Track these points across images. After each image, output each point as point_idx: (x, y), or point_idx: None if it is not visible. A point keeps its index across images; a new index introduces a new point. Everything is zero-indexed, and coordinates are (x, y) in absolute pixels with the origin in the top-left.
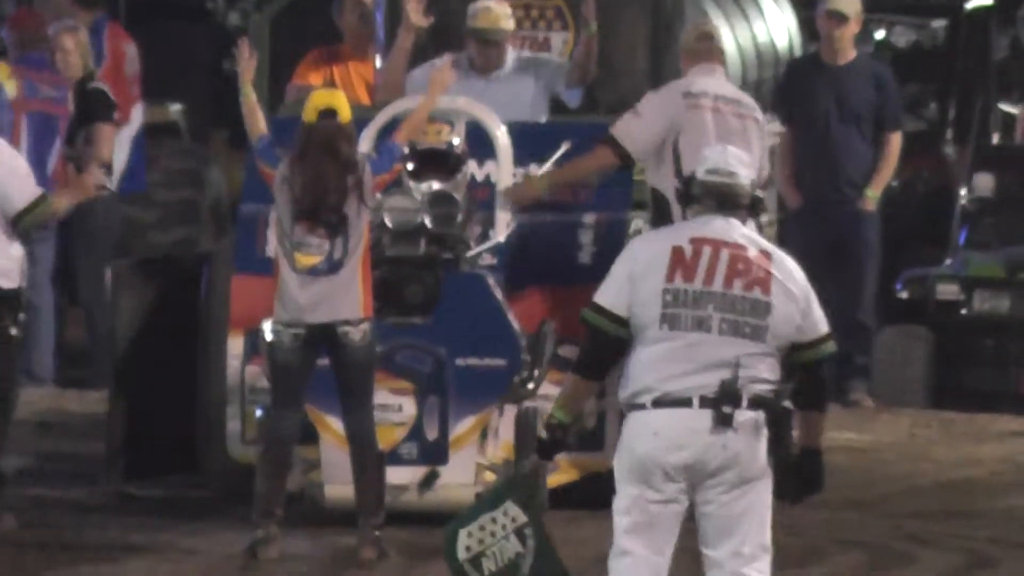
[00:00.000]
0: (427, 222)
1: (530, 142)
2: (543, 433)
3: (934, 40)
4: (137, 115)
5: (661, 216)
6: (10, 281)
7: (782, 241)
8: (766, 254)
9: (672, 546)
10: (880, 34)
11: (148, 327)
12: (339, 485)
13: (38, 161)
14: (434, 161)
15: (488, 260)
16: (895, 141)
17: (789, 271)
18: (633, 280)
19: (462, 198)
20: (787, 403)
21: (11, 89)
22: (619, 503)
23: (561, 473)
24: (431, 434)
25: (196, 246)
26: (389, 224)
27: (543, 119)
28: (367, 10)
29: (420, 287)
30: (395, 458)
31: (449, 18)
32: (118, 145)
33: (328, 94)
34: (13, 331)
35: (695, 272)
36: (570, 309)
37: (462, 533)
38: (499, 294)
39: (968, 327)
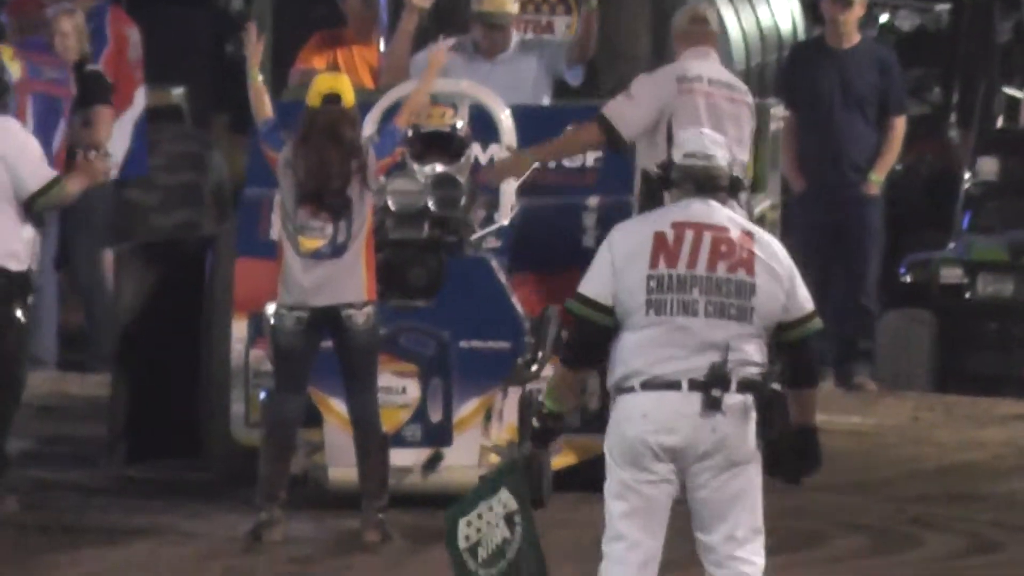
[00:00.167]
0: (430, 205)
1: (534, 125)
2: (536, 422)
3: (938, 24)
4: (139, 99)
5: (652, 199)
6: (19, 263)
7: (786, 225)
8: (749, 235)
9: (665, 527)
10: (884, 18)
11: (150, 310)
12: (343, 468)
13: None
14: (438, 144)
15: (492, 243)
16: (899, 125)
17: (772, 251)
18: (616, 268)
19: (465, 181)
20: (776, 386)
21: (15, 70)
22: (611, 487)
23: (564, 456)
24: (435, 416)
25: (198, 230)
26: (392, 207)
27: (546, 101)
28: None
29: (423, 270)
30: (399, 440)
31: (453, 1)
32: (120, 129)
33: (332, 78)
34: (20, 313)
35: (678, 257)
36: (574, 292)
37: (462, 522)
38: (502, 277)
39: (971, 311)
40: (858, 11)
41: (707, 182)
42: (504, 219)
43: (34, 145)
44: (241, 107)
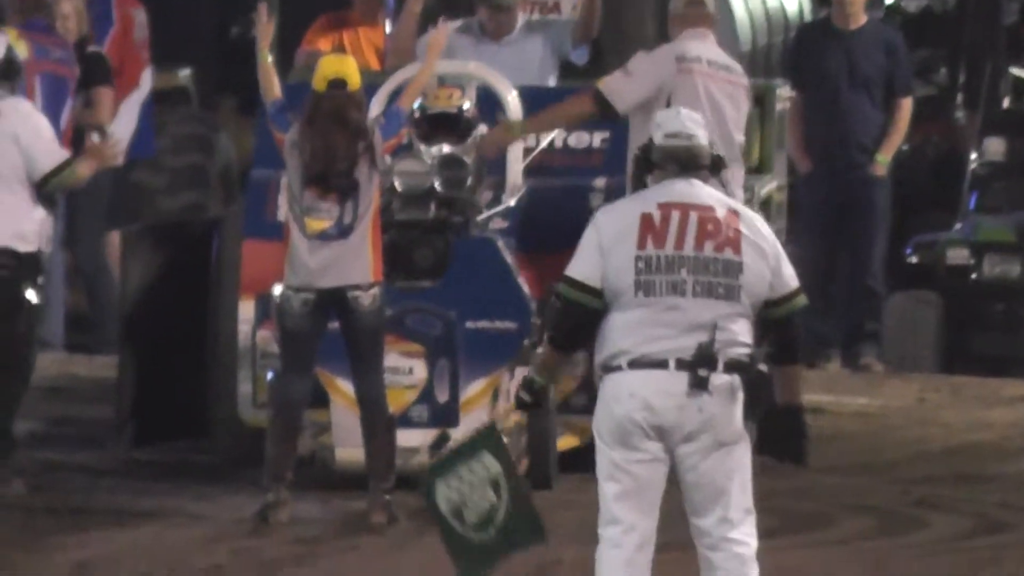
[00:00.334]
0: (437, 186)
1: (540, 106)
2: (524, 394)
3: (944, 5)
4: (146, 80)
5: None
6: (28, 244)
7: (792, 206)
8: (734, 213)
9: (658, 505)
10: None
11: (157, 292)
12: (350, 448)
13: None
14: (445, 125)
15: (499, 224)
16: (906, 106)
17: (758, 228)
18: (604, 250)
19: (472, 162)
20: (762, 366)
21: (22, 51)
22: (603, 469)
23: (568, 437)
24: (442, 397)
25: (205, 211)
26: (399, 188)
27: (552, 83)
28: None
29: (430, 251)
30: (406, 421)
31: None
32: (126, 111)
33: (337, 61)
34: (31, 294)
35: (665, 237)
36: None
37: (440, 485)
38: (509, 257)
39: (978, 292)
40: None
41: (690, 162)
42: (511, 200)
43: (47, 126)
44: (248, 89)
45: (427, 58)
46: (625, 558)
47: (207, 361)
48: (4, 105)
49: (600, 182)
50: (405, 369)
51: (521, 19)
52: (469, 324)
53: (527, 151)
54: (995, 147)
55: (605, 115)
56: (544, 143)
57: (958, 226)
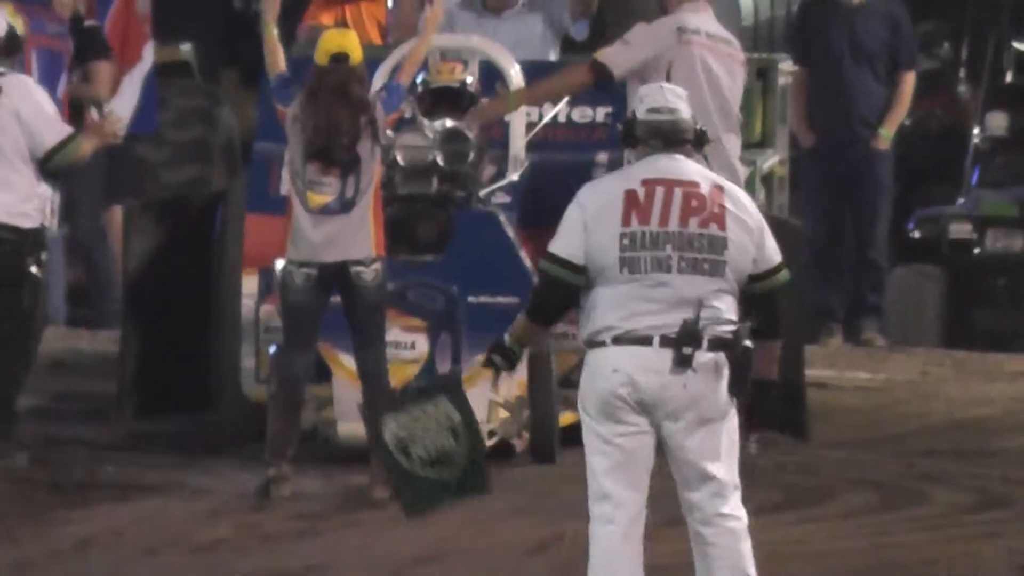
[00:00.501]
0: (439, 160)
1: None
2: (497, 358)
3: None
4: (148, 54)
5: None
6: (31, 220)
7: (795, 180)
8: (719, 188)
9: (648, 478)
10: None
11: (159, 267)
12: (351, 423)
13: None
14: (448, 99)
15: (501, 198)
16: (909, 80)
17: (742, 203)
18: (588, 227)
19: (474, 136)
20: (748, 342)
21: (18, 25)
22: (591, 444)
23: (571, 412)
24: (443, 371)
25: (207, 185)
26: (401, 162)
27: (553, 57)
28: None
29: (432, 225)
30: None
31: None
32: (128, 85)
33: (339, 36)
34: (34, 270)
35: (650, 214)
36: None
37: (389, 421)
38: (511, 232)
39: (980, 266)
40: None
41: (673, 136)
42: (514, 174)
43: (49, 102)
44: (250, 61)
45: (424, 32)
46: (620, 533)
47: (210, 335)
48: (6, 81)
49: (603, 156)
50: (407, 343)
51: None
52: (471, 298)
53: (530, 125)
54: (998, 121)
55: (601, 82)
56: (547, 117)
57: (961, 200)
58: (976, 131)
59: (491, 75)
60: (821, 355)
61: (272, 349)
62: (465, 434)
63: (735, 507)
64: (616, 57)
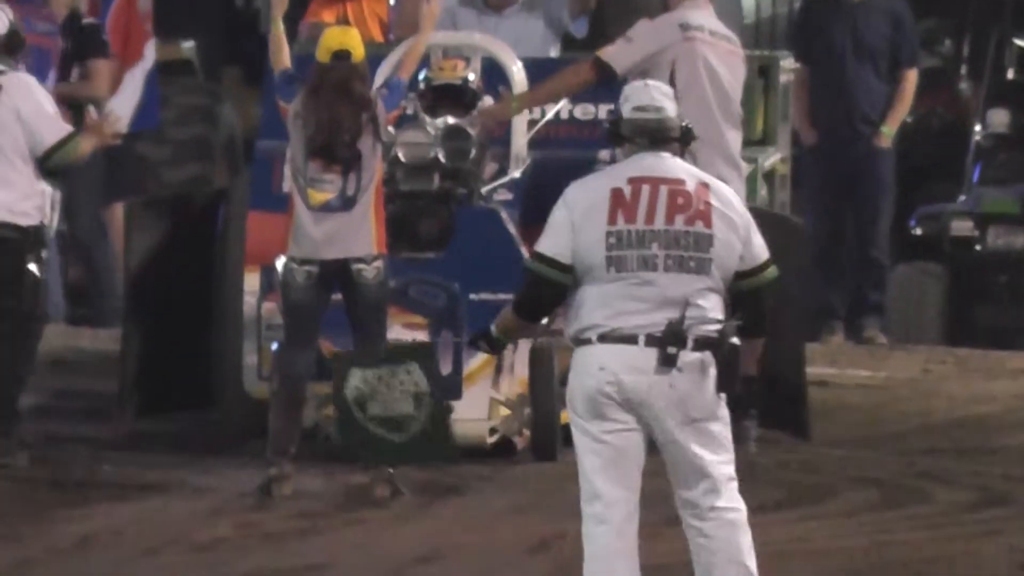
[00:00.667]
0: (440, 157)
1: (544, 78)
2: (483, 344)
3: None
4: (149, 52)
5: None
6: (30, 218)
7: (796, 178)
8: (705, 186)
9: (639, 478)
10: None
11: (161, 265)
12: None
13: None
14: (450, 96)
15: (503, 195)
16: (911, 78)
17: (729, 200)
18: (575, 226)
19: (476, 133)
20: (735, 339)
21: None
22: (580, 443)
23: None
24: (444, 369)
25: (209, 183)
26: (403, 159)
27: (554, 54)
28: None
29: (434, 222)
30: None
31: None
32: (130, 83)
33: (341, 33)
34: (33, 268)
35: (636, 212)
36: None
37: (356, 372)
38: (512, 228)
39: (982, 263)
40: None
41: (659, 135)
42: (515, 171)
43: (50, 101)
44: (252, 59)
45: (422, 28)
46: (614, 532)
47: (212, 333)
48: (6, 79)
49: (605, 154)
50: (408, 341)
51: None
52: (472, 296)
53: (532, 123)
54: (999, 118)
55: (604, 81)
56: (549, 115)
57: (962, 198)
58: (978, 128)
59: (493, 72)
60: (822, 353)
61: (274, 346)
62: (428, 403)
63: (731, 499)
64: (619, 55)
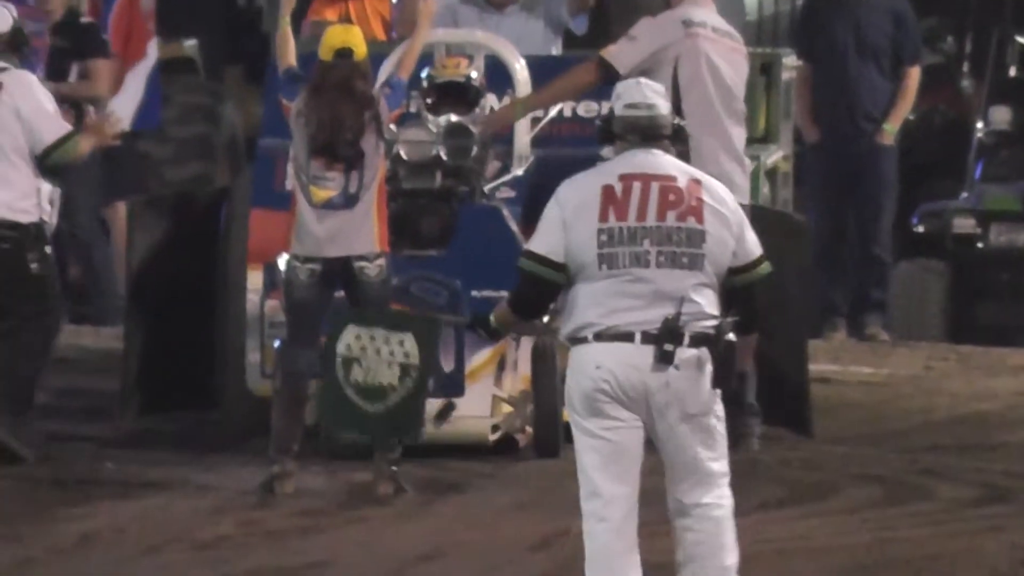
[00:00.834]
0: (442, 155)
1: (547, 75)
2: (481, 332)
3: None
4: (151, 51)
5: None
6: (30, 216)
7: (799, 175)
8: (697, 182)
9: (638, 475)
10: None
11: (163, 263)
12: None
13: None
14: (453, 94)
15: (506, 193)
16: (914, 75)
17: (721, 196)
18: (566, 224)
19: (478, 131)
20: (730, 336)
21: None
22: (579, 440)
23: None
24: (447, 366)
25: (210, 182)
26: (405, 156)
27: (555, 52)
28: None
29: (436, 219)
30: None
31: None
32: (132, 81)
33: (344, 31)
34: (35, 266)
35: (627, 209)
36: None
37: (351, 329)
38: (514, 226)
39: (984, 261)
40: None
41: (651, 132)
42: (518, 169)
43: (50, 99)
44: (254, 58)
45: (418, 27)
46: (613, 529)
47: (214, 331)
48: (7, 77)
49: (608, 152)
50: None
51: None
52: (475, 293)
53: (535, 120)
54: (1001, 115)
55: (608, 80)
56: (552, 112)
57: (964, 195)
58: (980, 125)
59: (496, 70)
60: (825, 350)
61: (276, 344)
62: (414, 377)
63: (719, 496)
64: (622, 54)
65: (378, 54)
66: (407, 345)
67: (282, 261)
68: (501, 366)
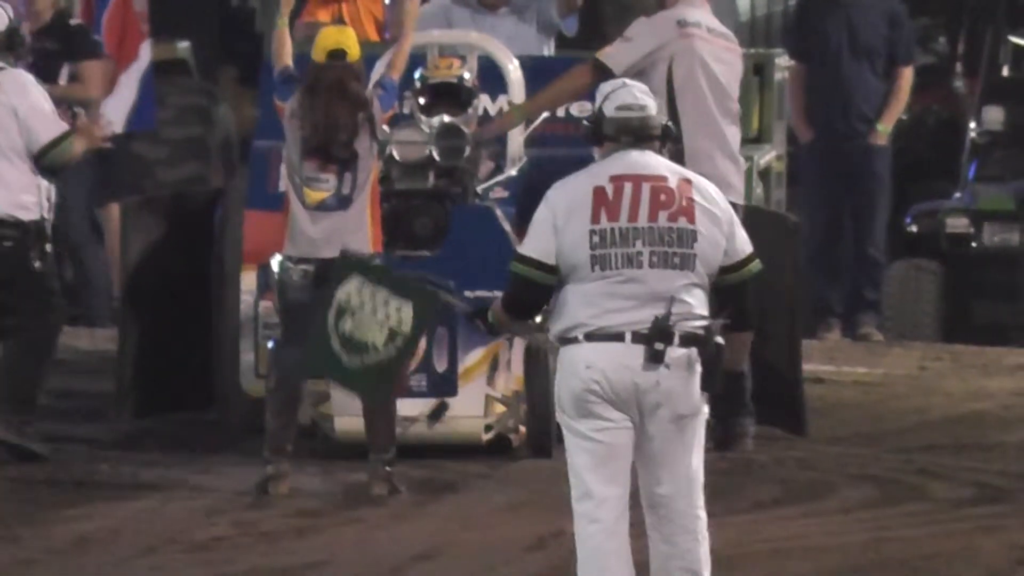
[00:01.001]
0: (435, 155)
1: (540, 75)
2: (480, 323)
3: None
4: (145, 52)
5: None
6: (30, 213)
7: (792, 175)
8: (687, 182)
9: (629, 475)
10: None
11: (157, 264)
12: (348, 417)
13: None
14: (446, 95)
15: (500, 193)
16: (907, 75)
17: (711, 196)
18: (557, 226)
19: (471, 132)
20: (719, 339)
21: None
22: (570, 441)
23: None
24: (440, 366)
25: (205, 183)
26: (397, 157)
27: (547, 52)
28: None
29: (429, 220)
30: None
31: None
32: (126, 83)
33: (337, 32)
34: (37, 264)
35: (619, 210)
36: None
37: (356, 279)
38: (507, 226)
39: (978, 260)
40: None
41: (643, 133)
42: (512, 169)
43: (46, 99)
44: (247, 59)
45: (404, 28)
46: (606, 530)
47: (209, 332)
48: (3, 76)
49: (596, 152)
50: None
51: None
52: (468, 293)
53: (528, 121)
54: (994, 115)
55: (603, 81)
56: (546, 112)
57: (958, 195)
58: (973, 125)
59: (489, 71)
60: (819, 350)
61: (270, 345)
62: (398, 345)
63: (698, 506)
64: (617, 55)
65: (371, 55)
66: (403, 313)
67: (275, 262)
68: (494, 366)
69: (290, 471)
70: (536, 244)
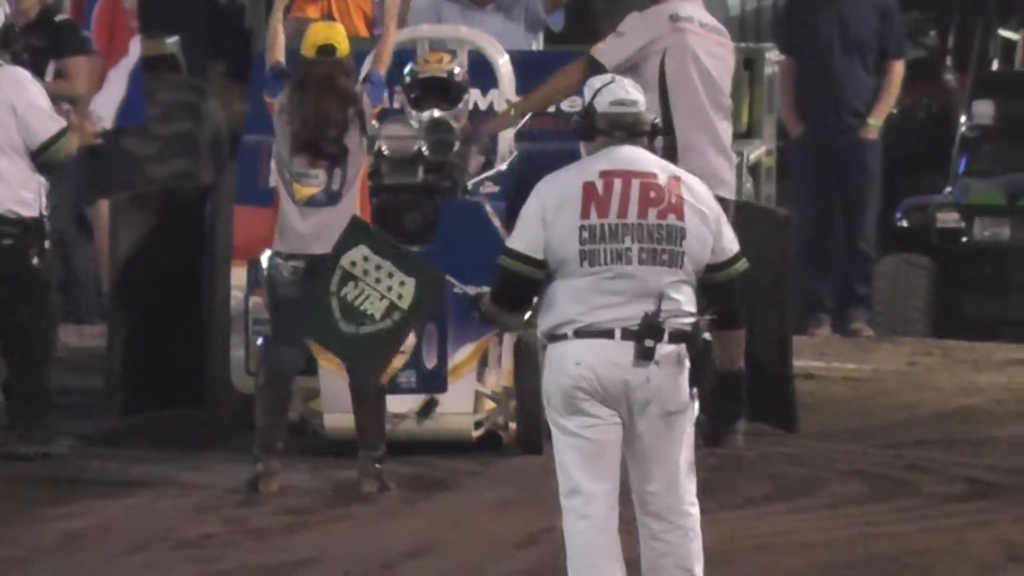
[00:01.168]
0: (424, 150)
1: (530, 70)
2: (474, 311)
3: None
4: (134, 48)
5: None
6: (30, 209)
7: (783, 170)
8: (676, 179)
9: (618, 472)
10: None
11: (146, 260)
12: (338, 414)
13: None
14: (436, 90)
15: (490, 188)
16: (898, 69)
17: (700, 193)
18: (546, 221)
19: (460, 126)
20: (707, 335)
21: None
22: (559, 438)
23: None
24: (430, 362)
25: (194, 179)
26: (386, 152)
27: (536, 47)
28: None
29: (418, 215)
30: (394, 387)
31: None
32: (115, 79)
33: (326, 28)
34: (36, 261)
35: (609, 206)
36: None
37: (363, 248)
38: (497, 221)
39: (968, 255)
40: None
41: (636, 128)
42: (502, 164)
43: (44, 95)
44: (236, 55)
45: (385, 23)
46: (595, 527)
47: (199, 329)
48: (1, 74)
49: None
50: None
51: None
52: (457, 289)
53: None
54: (985, 109)
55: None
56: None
57: (948, 189)
58: (963, 120)
59: (479, 66)
60: (810, 345)
61: (260, 341)
62: (396, 320)
63: (689, 503)
64: (609, 50)
65: (360, 51)
66: (406, 289)
67: (265, 258)
68: (484, 362)
69: (280, 468)
70: (524, 238)
